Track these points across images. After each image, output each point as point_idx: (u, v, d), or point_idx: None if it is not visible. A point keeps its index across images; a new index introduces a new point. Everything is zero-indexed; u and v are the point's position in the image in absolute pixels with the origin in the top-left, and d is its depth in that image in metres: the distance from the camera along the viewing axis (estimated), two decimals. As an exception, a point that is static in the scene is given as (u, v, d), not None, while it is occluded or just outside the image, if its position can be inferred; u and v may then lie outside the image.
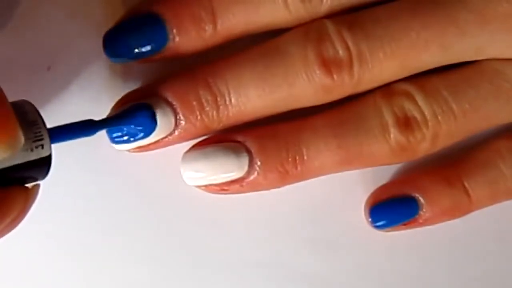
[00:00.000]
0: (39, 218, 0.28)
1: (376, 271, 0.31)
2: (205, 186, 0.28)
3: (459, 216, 0.30)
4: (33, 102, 0.26)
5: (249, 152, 0.28)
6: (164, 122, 0.27)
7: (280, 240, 0.30)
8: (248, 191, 0.29)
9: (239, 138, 0.28)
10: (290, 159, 0.28)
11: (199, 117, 0.27)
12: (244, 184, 0.28)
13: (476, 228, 0.31)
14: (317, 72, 0.26)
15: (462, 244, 0.31)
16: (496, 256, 0.31)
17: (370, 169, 0.30)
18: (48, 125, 0.24)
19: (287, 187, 0.29)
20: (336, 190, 0.30)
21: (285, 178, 0.28)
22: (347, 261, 0.31)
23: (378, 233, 0.30)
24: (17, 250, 0.29)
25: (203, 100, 0.27)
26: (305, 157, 0.28)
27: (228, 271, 0.30)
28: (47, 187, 0.28)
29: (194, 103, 0.27)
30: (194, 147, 0.29)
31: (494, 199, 0.29)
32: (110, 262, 0.30)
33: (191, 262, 0.30)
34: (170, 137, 0.27)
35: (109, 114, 0.27)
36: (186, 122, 0.27)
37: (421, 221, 0.29)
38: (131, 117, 0.26)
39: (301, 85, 0.27)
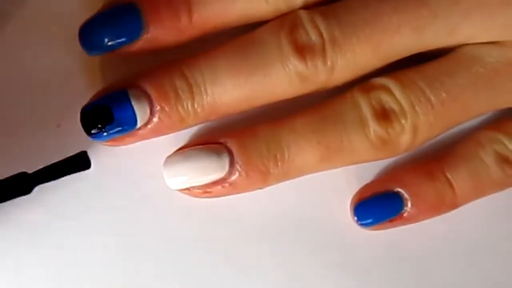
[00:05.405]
0: (36, 217, 0.29)
1: (367, 270, 0.30)
2: (188, 189, 0.28)
3: (445, 211, 0.29)
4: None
5: (230, 152, 0.28)
6: (139, 112, 0.27)
7: (271, 242, 0.30)
8: (232, 193, 0.28)
9: (220, 139, 0.28)
10: (271, 158, 0.28)
11: (174, 108, 0.27)
12: (226, 185, 0.28)
13: (474, 228, 0.31)
14: (291, 58, 0.27)
15: (462, 244, 0.31)
16: (492, 256, 0.31)
17: (357, 170, 0.30)
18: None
19: (276, 189, 0.29)
20: (326, 192, 0.30)
21: (267, 177, 0.28)
22: (341, 261, 0.30)
23: (370, 233, 0.30)
24: (15, 250, 0.29)
25: (179, 91, 0.27)
26: (286, 155, 0.28)
27: (224, 270, 0.30)
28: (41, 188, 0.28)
29: (170, 93, 0.27)
30: (175, 151, 0.29)
31: (479, 191, 0.29)
32: (109, 262, 0.29)
33: (186, 263, 0.30)
34: (145, 129, 0.27)
35: (85, 105, 0.27)
36: (161, 113, 0.27)
37: (406, 216, 0.29)
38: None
39: (276, 73, 0.27)
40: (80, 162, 0.26)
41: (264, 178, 0.28)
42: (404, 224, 0.29)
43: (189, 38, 0.27)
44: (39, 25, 0.29)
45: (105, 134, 0.27)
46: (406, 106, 0.28)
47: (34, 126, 0.29)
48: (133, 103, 0.27)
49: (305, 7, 0.28)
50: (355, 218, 0.30)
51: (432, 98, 0.28)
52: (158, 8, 0.27)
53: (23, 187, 0.25)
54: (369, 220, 0.29)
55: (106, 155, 0.29)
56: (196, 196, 0.29)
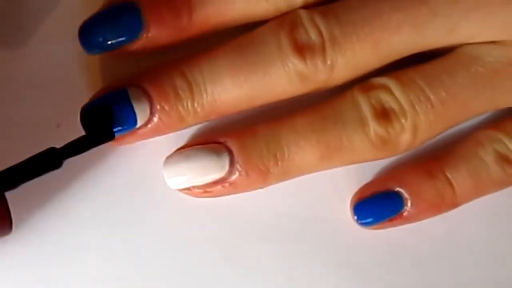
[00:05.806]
0: (36, 217, 0.29)
1: (367, 270, 0.30)
2: (189, 189, 0.28)
3: (445, 210, 0.29)
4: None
5: (230, 151, 0.28)
6: (139, 112, 0.27)
7: (271, 241, 0.30)
8: (232, 193, 0.29)
9: (220, 139, 0.28)
10: (271, 157, 0.28)
11: (174, 107, 0.27)
12: (226, 184, 0.28)
13: (474, 228, 0.31)
14: (291, 57, 0.27)
15: (462, 244, 0.31)
16: (492, 256, 0.31)
17: (357, 170, 0.30)
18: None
19: (276, 189, 0.29)
20: (326, 192, 0.30)
21: (267, 177, 0.28)
22: (341, 261, 0.30)
23: (370, 233, 0.30)
24: (15, 250, 0.29)
25: (179, 89, 0.27)
26: (286, 154, 0.28)
27: (224, 270, 0.30)
28: (40, 185, 0.28)
29: (169, 92, 0.27)
30: (175, 151, 0.29)
31: (479, 190, 0.29)
32: (108, 261, 0.29)
33: (186, 263, 0.30)
34: (145, 128, 0.27)
35: (85, 104, 0.27)
36: (161, 112, 0.27)
37: (406, 215, 0.29)
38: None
39: (276, 72, 0.27)
40: (104, 135, 0.26)
41: (264, 178, 0.28)
42: (404, 223, 0.29)
43: (189, 38, 0.27)
44: (39, 24, 0.29)
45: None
46: (406, 106, 0.27)
47: (34, 126, 0.29)
48: (133, 102, 0.27)
49: (305, 7, 0.28)
50: (355, 217, 0.30)
51: (431, 97, 0.28)
52: (158, 8, 0.27)
53: (53, 162, 0.25)
54: (369, 220, 0.29)
55: (106, 155, 0.29)
56: (196, 196, 0.29)
